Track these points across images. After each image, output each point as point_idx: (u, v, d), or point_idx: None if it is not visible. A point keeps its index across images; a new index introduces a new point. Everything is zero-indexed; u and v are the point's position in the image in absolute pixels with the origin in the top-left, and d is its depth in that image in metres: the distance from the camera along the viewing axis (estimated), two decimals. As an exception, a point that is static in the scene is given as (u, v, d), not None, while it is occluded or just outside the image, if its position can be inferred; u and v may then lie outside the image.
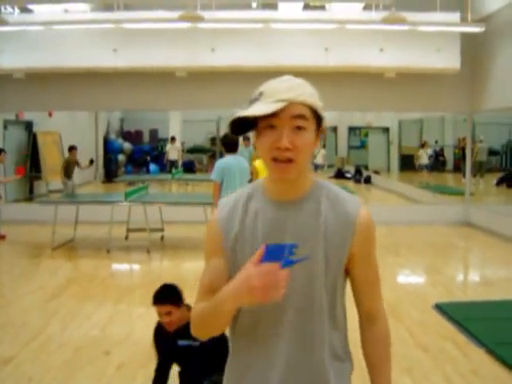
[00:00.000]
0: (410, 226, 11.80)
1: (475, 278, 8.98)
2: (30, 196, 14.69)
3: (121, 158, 21.59)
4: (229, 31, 11.03)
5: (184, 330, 3.72)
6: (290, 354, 1.71)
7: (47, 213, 10.07)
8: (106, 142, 21.46)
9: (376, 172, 21.08)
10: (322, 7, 12.47)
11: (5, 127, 13.91)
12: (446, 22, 10.96)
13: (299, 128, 1.62)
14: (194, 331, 1.79)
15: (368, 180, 20.50)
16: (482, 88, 11.82)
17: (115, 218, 9.65)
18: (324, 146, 19.95)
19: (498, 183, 17.95)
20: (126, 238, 10.47)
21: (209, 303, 1.67)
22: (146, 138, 23.61)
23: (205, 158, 22.61)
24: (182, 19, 9.90)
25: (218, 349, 3.77)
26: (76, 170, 13.39)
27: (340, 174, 20.65)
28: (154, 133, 23.39)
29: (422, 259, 9.57)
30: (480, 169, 16.68)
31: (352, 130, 21.82)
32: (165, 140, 20.83)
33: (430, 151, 18.90)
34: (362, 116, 19.62)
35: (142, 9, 11.29)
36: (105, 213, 9.78)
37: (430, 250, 10.32)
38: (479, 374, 4.70)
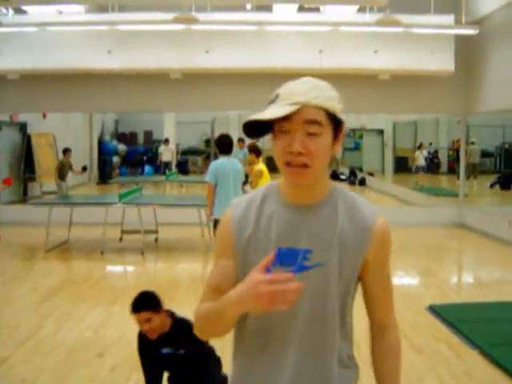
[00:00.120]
0: (404, 228, 11.82)
1: (469, 280, 9.00)
2: (23, 198, 14.67)
3: (115, 159, 21.59)
4: (223, 33, 11.04)
5: (167, 338, 3.71)
6: (300, 361, 1.69)
7: (41, 214, 10.04)
8: (101, 143, 21.47)
9: (370, 174, 21.14)
10: (317, 9, 12.49)
11: (-1, 129, 13.91)
12: (440, 24, 11.00)
13: (312, 134, 1.58)
14: (195, 331, 1.77)
15: (362, 182, 20.54)
16: (476, 90, 11.86)
17: (109, 220, 9.63)
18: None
19: (492, 185, 18.01)
20: (120, 239, 10.45)
21: (213, 305, 1.64)
22: (141, 139, 23.62)
23: (199, 159, 22.62)
24: (176, 21, 9.90)
25: (203, 356, 3.76)
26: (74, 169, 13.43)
27: (334, 176, 20.67)
28: (148, 134, 23.40)
29: (415, 261, 9.58)
30: (473, 171, 16.73)
31: (346, 131, 21.87)
32: (159, 141, 20.85)
33: (425, 153, 18.96)
34: (357, 118, 19.65)
35: (137, 10, 11.28)
36: (99, 214, 9.76)
37: (423, 252, 10.34)
38: (473, 376, 4.72)
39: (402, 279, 8.39)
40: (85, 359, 5.03)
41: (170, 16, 9.89)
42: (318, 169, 1.62)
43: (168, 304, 6.88)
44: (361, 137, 21.64)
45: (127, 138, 23.23)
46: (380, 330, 1.85)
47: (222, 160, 7.59)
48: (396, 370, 1.84)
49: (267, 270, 1.56)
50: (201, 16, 10.16)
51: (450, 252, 10.72)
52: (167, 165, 19.18)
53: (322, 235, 1.67)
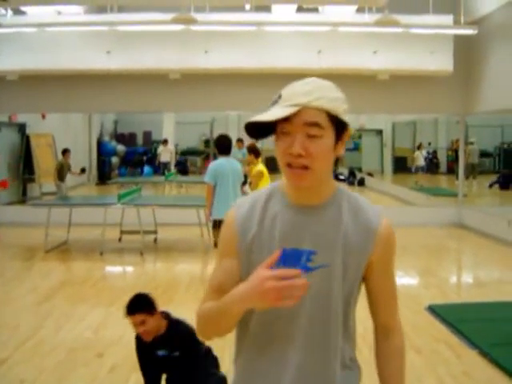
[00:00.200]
0: (403, 228, 11.76)
1: (468, 280, 9.01)
2: (23, 198, 14.67)
3: (114, 160, 21.57)
4: (222, 33, 11.04)
5: (162, 340, 3.71)
6: (303, 362, 1.68)
7: (40, 215, 10.04)
8: (100, 144, 21.45)
9: (370, 174, 21.14)
10: (316, 10, 12.49)
11: (-2, 129, 13.91)
12: (439, 24, 11.00)
13: (312, 136, 1.57)
14: (198, 332, 1.77)
15: (362, 182, 20.54)
16: (474, 90, 11.86)
17: (108, 221, 9.63)
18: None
19: (492, 185, 18.03)
20: (120, 240, 10.45)
21: (216, 304, 1.64)
22: (140, 140, 23.61)
23: (198, 160, 22.61)
24: (175, 21, 9.90)
25: (199, 358, 3.75)
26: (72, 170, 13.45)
27: (333, 176, 20.60)
28: (147, 135, 23.40)
29: (415, 261, 9.58)
30: (472, 171, 16.75)
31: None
32: (158, 142, 20.83)
33: (425, 153, 18.98)
34: (356, 118, 19.63)
35: (136, 11, 11.28)
36: (98, 215, 9.76)
37: (423, 252, 10.35)
38: (472, 376, 4.72)
39: (402, 279, 8.39)
40: (84, 359, 5.03)
41: (168, 16, 9.89)
42: (319, 171, 1.61)
43: (167, 304, 6.89)
44: (360, 137, 21.63)
45: (126, 139, 23.22)
46: (384, 332, 1.85)
47: (222, 160, 7.60)
48: (400, 371, 1.83)
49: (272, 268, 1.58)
50: (200, 16, 10.16)
51: (450, 252, 10.72)
52: (166, 165, 19.18)
53: (326, 236, 1.67)
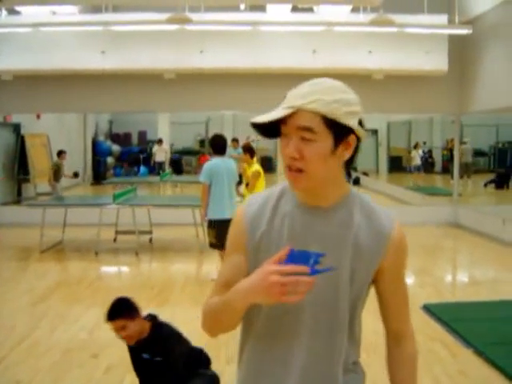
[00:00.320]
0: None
1: (463, 279, 9.02)
2: (18, 199, 14.63)
3: (109, 160, 21.56)
4: (217, 33, 11.04)
5: (145, 344, 3.69)
6: (307, 364, 1.67)
7: (35, 215, 10.02)
8: (95, 144, 21.43)
9: (365, 173, 21.14)
10: (310, 9, 12.49)
11: (-8, 129, 13.89)
12: (434, 24, 11.02)
13: (307, 139, 1.55)
14: (203, 327, 1.76)
15: (357, 181, 20.53)
16: (469, 89, 11.88)
17: (103, 221, 9.63)
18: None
19: (487, 184, 18.07)
20: (115, 240, 10.45)
21: (220, 299, 1.64)
22: (135, 140, 23.60)
23: (193, 159, 22.61)
24: (170, 21, 9.89)
25: (180, 363, 3.71)
26: (67, 171, 13.43)
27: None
28: (142, 135, 23.38)
29: (410, 260, 9.48)
30: (466, 170, 16.77)
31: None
32: (153, 142, 20.84)
33: (421, 152, 19.01)
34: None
35: (131, 11, 11.26)
36: (93, 215, 9.76)
37: (418, 251, 10.34)
38: (467, 375, 4.73)
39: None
40: (80, 360, 5.03)
41: (163, 16, 9.89)
42: (314, 174, 1.59)
43: (162, 304, 6.90)
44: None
45: (121, 139, 23.20)
46: (396, 339, 1.83)
47: (217, 160, 7.60)
48: (412, 378, 1.82)
49: None
50: (195, 16, 10.16)
51: (445, 251, 10.74)
52: (161, 165, 19.20)
53: (335, 239, 1.65)
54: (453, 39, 11.45)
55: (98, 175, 20.68)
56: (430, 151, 20.62)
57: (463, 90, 12.12)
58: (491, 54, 10.90)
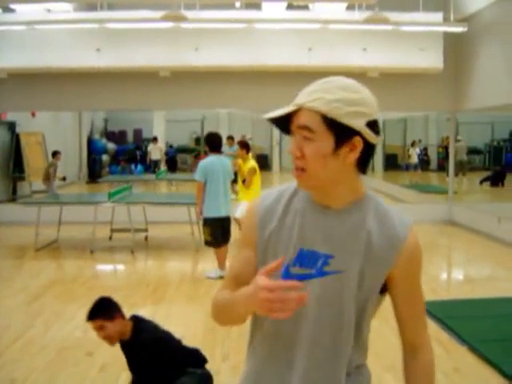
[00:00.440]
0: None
1: (458, 277, 9.04)
2: (13, 197, 14.62)
3: (105, 158, 21.55)
4: (212, 31, 11.02)
5: (128, 345, 3.70)
6: (310, 365, 1.66)
7: (30, 213, 10.01)
8: (90, 142, 21.43)
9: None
10: (306, 7, 12.49)
11: (-13, 128, 13.87)
12: (429, 21, 11.03)
13: (306, 138, 1.55)
14: (212, 317, 1.78)
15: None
16: (464, 87, 11.89)
17: (99, 219, 9.61)
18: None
19: (482, 181, 18.11)
20: (110, 238, 10.44)
21: (228, 298, 1.66)
22: (130, 138, 23.60)
23: (189, 157, 22.61)
24: (165, 19, 9.88)
25: (161, 366, 3.70)
26: (61, 170, 13.43)
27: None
28: (138, 133, 23.38)
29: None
30: (461, 168, 16.81)
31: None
32: (149, 140, 20.84)
33: (418, 150, 19.06)
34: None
35: (126, 8, 11.25)
36: (88, 213, 9.75)
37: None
38: (462, 372, 4.74)
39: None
40: (74, 359, 5.02)
41: (159, 14, 9.87)
42: (314, 173, 1.58)
43: (158, 302, 6.91)
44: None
45: (116, 137, 23.21)
46: (411, 350, 1.79)
47: (212, 158, 7.61)
48: None
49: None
50: (190, 14, 10.16)
51: (440, 249, 10.75)
52: (156, 163, 19.22)
53: (346, 241, 1.62)
54: (448, 37, 11.45)
55: (94, 173, 20.68)
56: (425, 149, 20.68)
57: (458, 87, 12.13)
58: (486, 52, 10.90)
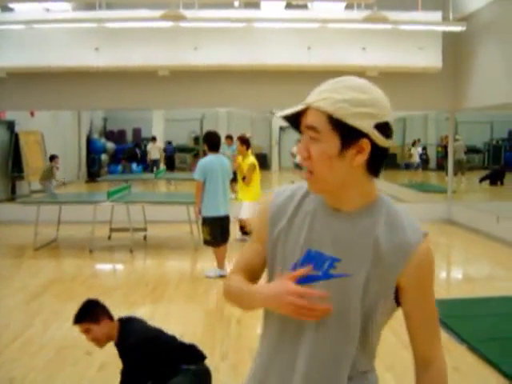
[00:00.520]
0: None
1: (457, 276, 9.04)
2: (12, 196, 14.61)
3: (104, 157, 21.55)
4: (211, 30, 11.02)
5: (118, 346, 3.69)
6: (312, 367, 1.65)
7: (29, 213, 10.00)
8: (89, 141, 21.41)
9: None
10: (305, 6, 12.49)
11: (-14, 127, 13.86)
12: (428, 21, 11.03)
13: (313, 138, 1.53)
14: (223, 295, 1.81)
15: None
16: (463, 86, 11.89)
17: (98, 218, 9.61)
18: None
19: (482, 180, 18.11)
20: (109, 237, 10.43)
21: (243, 289, 1.69)
22: (129, 137, 23.58)
23: (188, 157, 22.61)
24: (164, 18, 9.88)
25: (146, 370, 3.69)
26: (60, 170, 13.45)
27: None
28: (137, 132, 23.37)
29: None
30: (460, 167, 16.80)
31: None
32: (148, 139, 20.84)
33: (420, 150, 19.06)
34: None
35: (124, 8, 11.24)
36: (87, 213, 9.74)
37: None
38: (461, 371, 4.73)
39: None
40: (73, 358, 5.01)
41: (157, 13, 9.88)
42: (321, 176, 1.56)
43: (157, 301, 6.90)
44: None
45: (116, 136, 23.20)
46: (423, 364, 1.72)
47: (211, 157, 7.61)
48: None
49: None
50: (189, 13, 10.16)
51: (439, 248, 10.74)
52: (155, 162, 19.22)
53: (353, 245, 1.59)
54: (447, 36, 11.45)
55: (93, 173, 20.68)
56: (424, 148, 20.67)
57: (457, 86, 12.13)
58: (485, 51, 10.90)
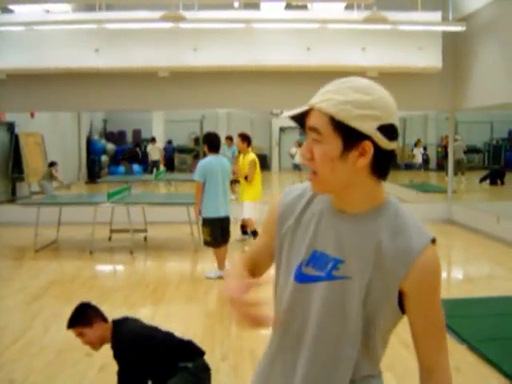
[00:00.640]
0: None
1: (458, 276, 9.03)
2: (12, 198, 14.62)
3: (104, 158, 21.55)
4: (211, 31, 11.02)
5: (112, 349, 3.69)
6: (310, 371, 1.64)
7: (30, 214, 10.01)
8: (89, 142, 21.42)
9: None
10: (304, 7, 12.49)
11: (-14, 129, 13.86)
12: (428, 21, 11.02)
13: (314, 140, 1.52)
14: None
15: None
16: (463, 86, 11.89)
17: (98, 219, 9.62)
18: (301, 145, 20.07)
19: (482, 180, 18.11)
20: (109, 238, 10.43)
21: (239, 273, 1.75)
22: (129, 138, 23.58)
23: (188, 158, 22.61)
24: (164, 19, 9.88)
25: (141, 370, 3.68)
26: (60, 170, 13.48)
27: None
28: (137, 133, 23.37)
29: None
30: (460, 167, 16.80)
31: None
32: (148, 140, 20.86)
33: (422, 150, 19.06)
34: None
35: (124, 9, 11.23)
36: (88, 214, 9.75)
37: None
38: (461, 371, 4.73)
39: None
40: (73, 359, 5.01)
41: (157, 14, 9.88)
42: (324, 177, 1.54)
43: (157, 302, 6.90)
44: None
45: (116, 137, 23.20)
46: (427, 372, 1.68)
47: (211, 158, 7.60)
48: None
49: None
50: (188, 14, 10.16)
51: (439, 248, 10.57)
52: (155, 163, 19.23)
53: (357, 248, 1.57)
54: (447, 36, 11.45)
55: (93, 174, 20.69)
56: (424, 148, 20.66)
57: (457, 86, 12.13)
58: (485, 51, 10.90)
